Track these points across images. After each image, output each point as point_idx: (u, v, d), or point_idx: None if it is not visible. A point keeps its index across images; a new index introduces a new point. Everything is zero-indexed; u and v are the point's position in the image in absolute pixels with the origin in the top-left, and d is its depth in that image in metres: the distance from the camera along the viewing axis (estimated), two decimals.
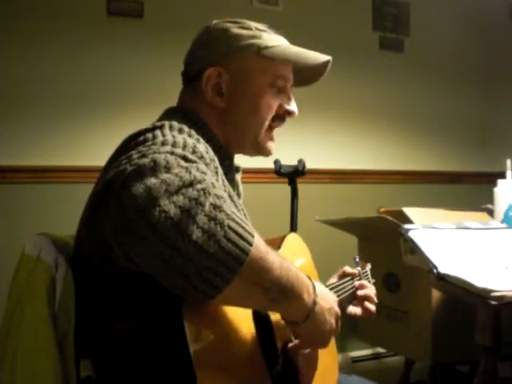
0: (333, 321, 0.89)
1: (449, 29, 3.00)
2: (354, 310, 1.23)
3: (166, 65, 2.32)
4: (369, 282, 1.32)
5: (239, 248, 0.70)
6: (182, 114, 1.03)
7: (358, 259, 1.36)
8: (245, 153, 1.10)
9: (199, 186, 0.70)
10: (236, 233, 0.70)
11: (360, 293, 1.24)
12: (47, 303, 0.81)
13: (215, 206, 0.69)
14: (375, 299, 1.26)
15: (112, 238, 0.69)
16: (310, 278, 0.85)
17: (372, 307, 1.23)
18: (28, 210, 2.07)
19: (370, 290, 1.25)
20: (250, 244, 0.71)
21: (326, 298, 0.89)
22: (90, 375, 0.79)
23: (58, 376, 0.78)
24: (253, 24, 1.07)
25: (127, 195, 0.67)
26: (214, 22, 1.08)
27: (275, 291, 0.77)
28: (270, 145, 1.09)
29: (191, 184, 0.69)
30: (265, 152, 1.09)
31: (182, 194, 0.68)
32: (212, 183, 0.72)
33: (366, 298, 1.24)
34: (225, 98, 1.03)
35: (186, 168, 0.71)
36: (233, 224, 0.70)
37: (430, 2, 2.94)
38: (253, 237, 0.72)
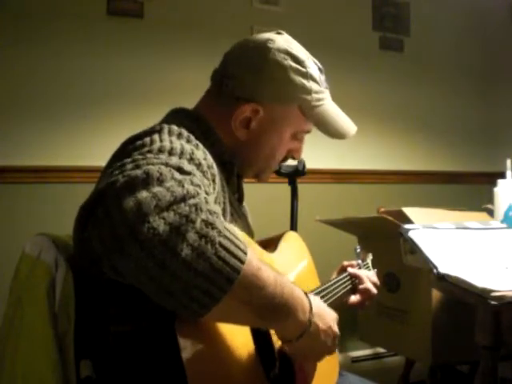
0: (329, 341, 0.86)
1: (449, 29, 3.00)
2: (354, 298, 1.24)
3: (166, 65, 2.32)
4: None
5: (230, 266, 0.68)
6: (186, 116, 1.02)
7: (358, 250, 1.36)
8: (244, 175, 1.11)
9: (191, 202, 0.67)
10: (227, 250, 0.68)
11: (353, 273, 1.26)
12: (47, 303, 0.80)
13: (207, 223, 0.67)
14: (373, 279, 1.27)
15: (100, 251, 0.67)
16: (307, 295, 0.82)
17: (367, 286, 1.24)
18: (28, 210, 2.07)
19: (362, 272, 1.27)
20: (242, 262, 0.69)
21: (324, 317, 0.85)
22: (90, 375, 0.78)
23: (58, 376, 0.78)
24: (309, 64, 1.05)
25: (117, 209, 0.65)
26: (276, 45, 1.03)
27: (268, 309, 0.74)
28: (269, 177, 1.14)
29: (183, 199, 0.67)
30: (262, 181, 1.14)
31: (172, 210, 0.66)
32: (205, 198, 0.70)
33: (359, 279, 1.25)
34: (249, 133, 1.03)
35: (180, 181, 0.69)
36: (224, 241, 0.68)
37: (430, 1, 2.94)
38: (245, 254, 0.70)
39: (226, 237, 0.69)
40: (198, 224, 0.67)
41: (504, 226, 1.77)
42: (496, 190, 1.97)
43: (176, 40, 2.35)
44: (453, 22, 3.00)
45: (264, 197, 2.34)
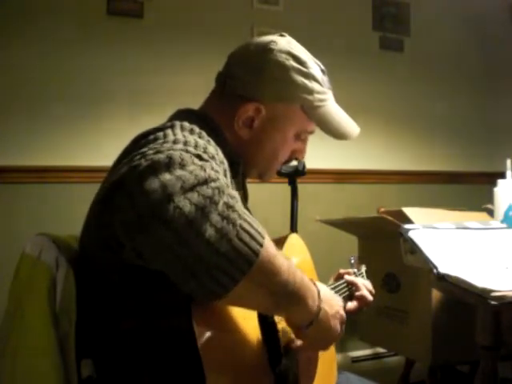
0: (338, 325, 0.89)
1: (449, 29, 3.00)
2: (351, 304, 1.24)
3: (166, 65, 2.32)
4: None
5: (250, 249, 0.70)
6: (194, 115, 1.02)
7: (353, 260, 1.37)
8: (248, 174, 1.11)
9: (213, 185, 0.70)
10: (248, 233, 0.70)
11: (350, 280, 1.26)
12: (48, 303, 0.81)
13: (228, 206, 0.70)
14: (369, 287, 1.27)
15: (123, 233, 0.68)
16: (315, 284, 0.85)
17: (363, 293, 1.24)
18: (28, 210, 2.07)
19: (358, 279, 1.27)
20: (261, 245, 0.71)
21: (332, 303, 0.88)
22: (91, 375, 0.78)
23: (59, 376, 0.78)
24: (311, 64, 1.05)
25: (141, 190, 0.67)
26: (278, 46, 1.03)
27: (281, 295, 0.77)
28: (272, 176, 1.14)
29: (206, 182, 0.70)
30: (265, 181, 1.14)
31: (196, 191, 0.68)
32: (226, 182, 0.73)
33: (356, 286, 1.25)
34: (251, 132, 1.03)
35: (201, 166, 0.71)
36: (245, 224, 0.71)
37: (430, 2, 2.94)
38: (263, 238, 0.73)
39: (245, 220, 0.71)
40: (221, 206, 0.69)
41: (504, 226, 1.77)
42: (496, 189, 1.97)
43: (176, 40, 2.35)
44: (453, 22, 3.00)
45: (264, 197, 2.34)
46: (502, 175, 1.98)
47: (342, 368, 1.25)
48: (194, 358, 0.72)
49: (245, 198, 1.12)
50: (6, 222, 2.05)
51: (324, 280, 1.25)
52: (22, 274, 0.87)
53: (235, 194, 0.73)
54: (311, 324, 0.83)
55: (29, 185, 2.10)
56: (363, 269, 1.39)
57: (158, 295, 0.75)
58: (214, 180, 0.71)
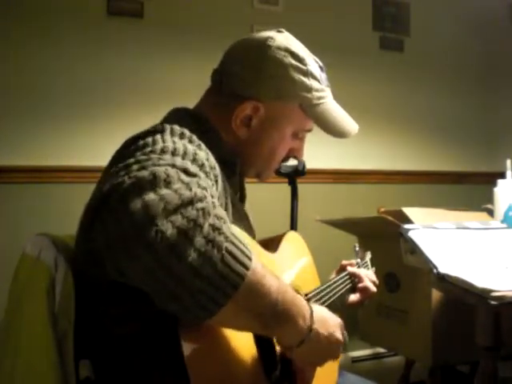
0: (333, 347, 0.86)
1: (449, 29, 3.00)
2: (354, 296, 1.24)
3: (166, 65, 2.32)
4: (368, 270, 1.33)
5: (235, 272, 0.68)
6: (188, 115, 1.01)
7: (357, 248, 1.36)
8: (245, 174, 1.11)
9: (199, 205, 0.67)
10: (233, 256, 0.68)
11: (352, 272, 1.26)
12: (47, 304, 0.80)
13: (214, 228, 0.67)
14: (372, 278, 1.27)
15: (105, 252, 0.66)
16: (307, 303, 0.82)
17: (366, 284, 1.24)
18: (28, 210, 2.07)
19: (361, 271, 1.27)
20: (247, 268, 0.69)
21: (327, 323, 0.85)
22: (89, 376, 0.78)
23: (57, 376, 0.78)
24: (309, 61, 1.04)
25: (124, 211, 0.65)
26: (276, 43, 1.02)
27: (269, 316, 0.74)
28: (270, 175, 1.13)
29: (191, 202, 0.67)
30: (263, 180, 1.13)
31: (180, 213, 0.65)
32: (213, 202, 0.70)
33: (358, 278, 1.25)
34: (249, 131, 1.02)
35: (187, 184, 0.68)
36: (231, 247, 0.68)
37: (430, 2, 2.94)
38: (250, 260, 0.70)
39: (232, 242, 0.69)
40: (206, 228, 0.66)
41: (504, 226, 1.77)
42: (496, 189, 1.97)
43: (176, 40, 2.35)
44: (453, 22, 3.00)
45: (264, 197, 2.34)
46: (502, 175, 1.98)
47: (342, 368, 1.24)
48: (178, 367, 0.70)
49: (242, 199, 1.11)
50: (5, 222, 2.05)
51: (324, 278, 1.26)
52: (21, 274, 0.87)
53: (223, 213, 0.71)
54: (302, 343, 0.80)
55: (28, 185, 2.10)
56: (368, 257, 1.39)
57: (144, 305, 0.72)
58: (200, 199, 0.68)
